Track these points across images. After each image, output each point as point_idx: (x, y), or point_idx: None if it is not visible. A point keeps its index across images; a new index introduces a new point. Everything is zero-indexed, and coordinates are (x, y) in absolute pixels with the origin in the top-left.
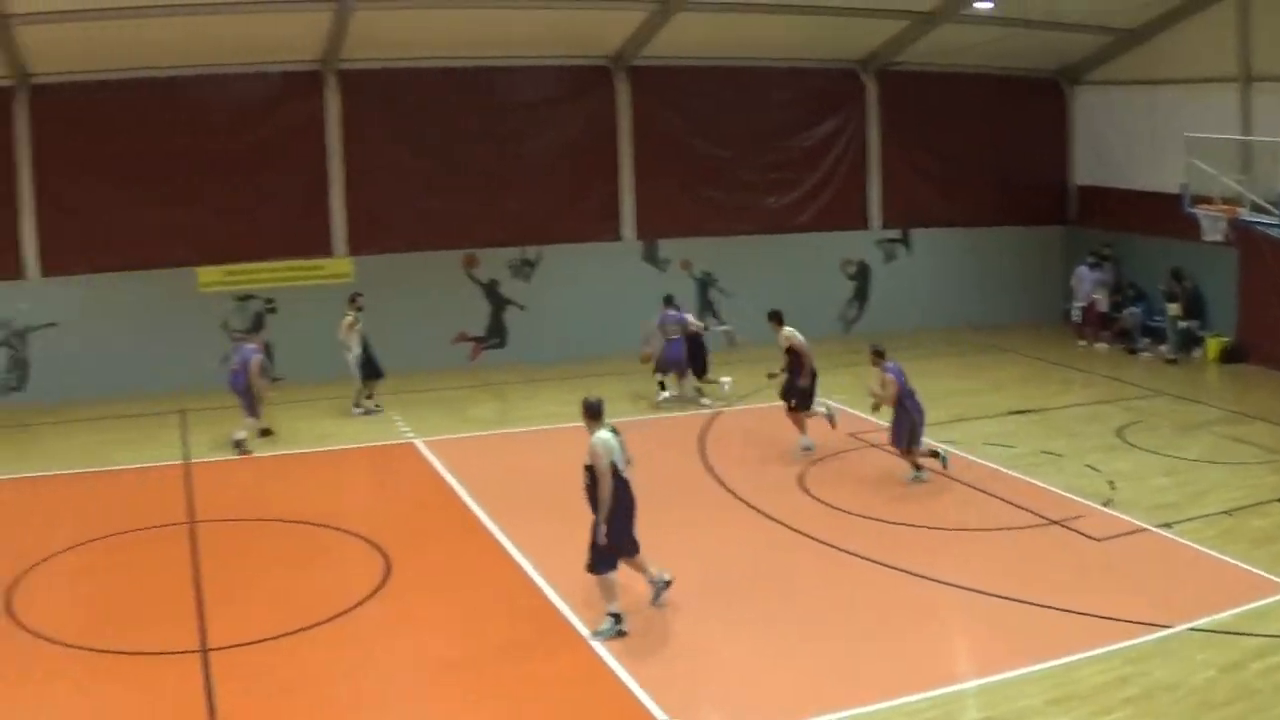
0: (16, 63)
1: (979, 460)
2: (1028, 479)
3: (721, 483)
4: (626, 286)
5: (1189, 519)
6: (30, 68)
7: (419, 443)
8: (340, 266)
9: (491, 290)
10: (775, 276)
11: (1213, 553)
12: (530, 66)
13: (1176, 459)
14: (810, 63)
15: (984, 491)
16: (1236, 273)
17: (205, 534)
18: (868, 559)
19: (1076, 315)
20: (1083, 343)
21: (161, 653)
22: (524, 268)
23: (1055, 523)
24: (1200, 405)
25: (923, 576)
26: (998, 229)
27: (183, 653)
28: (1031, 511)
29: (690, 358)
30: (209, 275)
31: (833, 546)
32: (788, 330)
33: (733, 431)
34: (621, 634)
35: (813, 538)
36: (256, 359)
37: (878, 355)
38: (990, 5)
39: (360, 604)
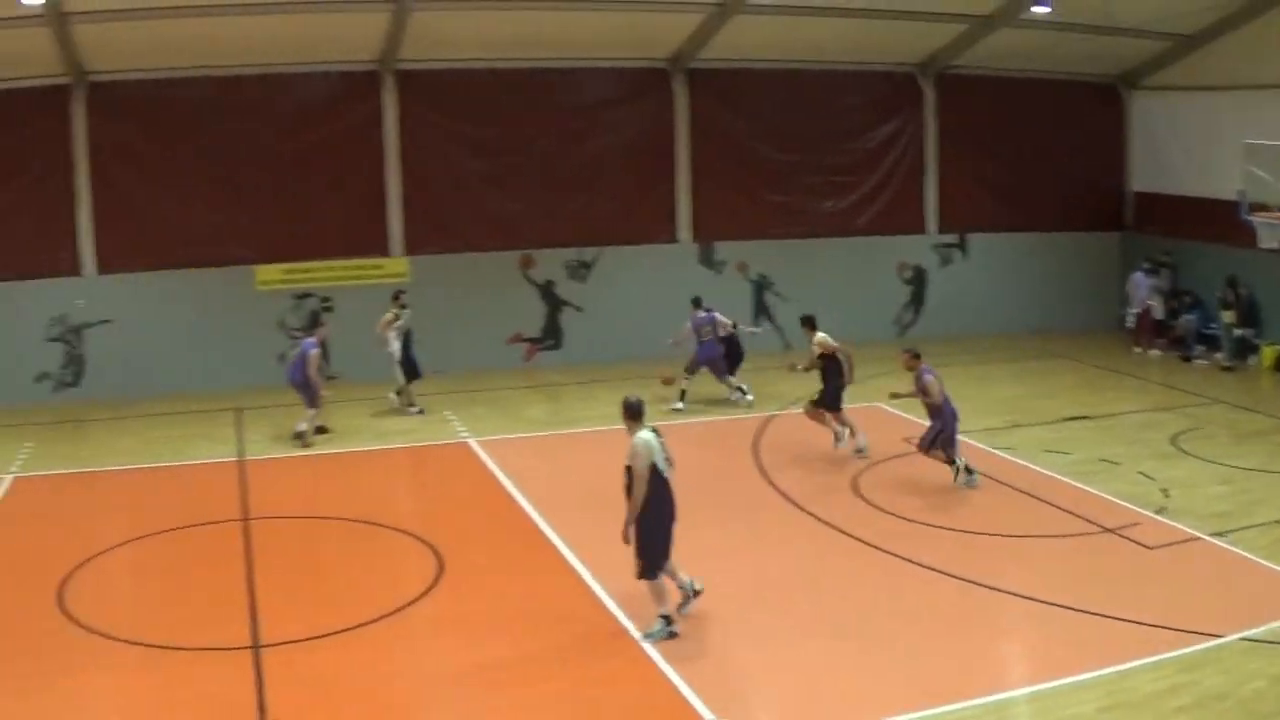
0: (74, 60)
1: (1035, 467)
2: (1083, 486)
3: (775, 486)
4: (682, 289)
5: (1243, 528)
6: (88, 65)
7: (473, 442)
8: (397, 266)
9: (547, 291)
10: (831, 280)
11: (1266, 562)
12: (588, 68)
13: (1231, 467)
14: (868, 66)
15: (1039, 498)
16: None
17: (259, 531)
18: (921, 564)
19: (1131, 321)
20: (1138, 349)
21: (213, 649)
22: (580, 269)
23: (1109, 530)
24: (1255, 414)
25: (975, 583)
26: (1054, 234)
27: (234, 649)
28: (1086, 519)
29: (730, 357)
30: (267, 274)
31: (886, 551)
32: (821, 336)
33: (788, 435)
34: (673, 635)
35: (866, 542)
36: (315, 352)
37: (914, 358)
38: (1048, 9)
39: (412, 603)
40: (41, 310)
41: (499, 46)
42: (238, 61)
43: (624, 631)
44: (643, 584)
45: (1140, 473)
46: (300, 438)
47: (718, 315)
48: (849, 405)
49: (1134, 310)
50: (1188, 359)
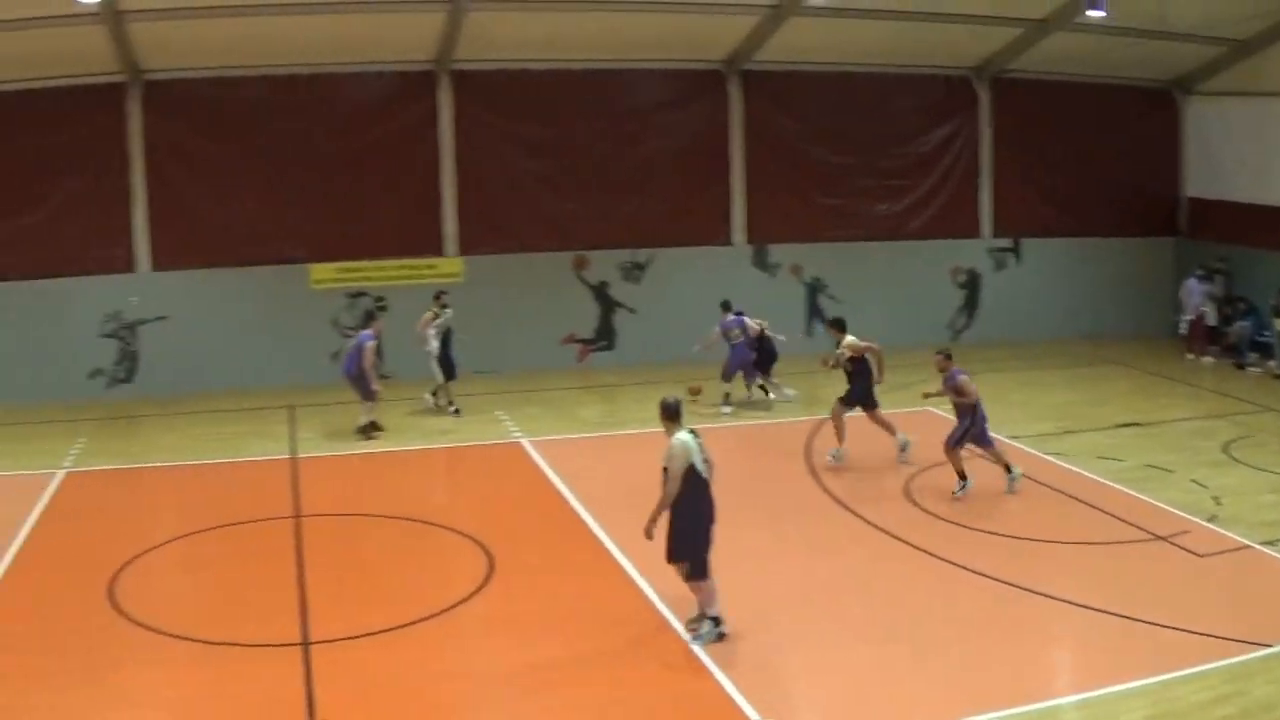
0: (130, 59)
1: (1087, 473)
2: (1134, 493)
3: (826, 489)
4: (736, 291)
5: None
6: (143, 64)
7: (526, 442)
8: (451, 266)
9: (601, 292)
10: (885, 283)
11: None
12: (643, 70)
13: None
14: (923, 69)
15: (1090, 504)
16: None
17: (310, 528)
18: (970, 570)
19: (1184, 328)
20: (1190, 356)
21: (262, 645)
22: (634, 270)
23: (1160, 538)
24: None
25: (1025, 589)
26: (1108, 240)
27: (284, 646)
28: (1137, 526)
29: (763, 359)
30: (321, 272)
31: (936, 556)
32: (850, 339)
33: (848, 439)
34: (721, 637)
35: (917, 547)
36: (371, 344)
37: (946, 359)
38: (1102, 14)
39: (463, 602)
40: (96, 306)
41: (554, 47)
42: (293, 61)
43: (673, 633)
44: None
45: (1192, 480)
46: (364, 431)
47: (747, 319)
48: (901, 410)
49: (1187, 317)
50: (1241, 366)
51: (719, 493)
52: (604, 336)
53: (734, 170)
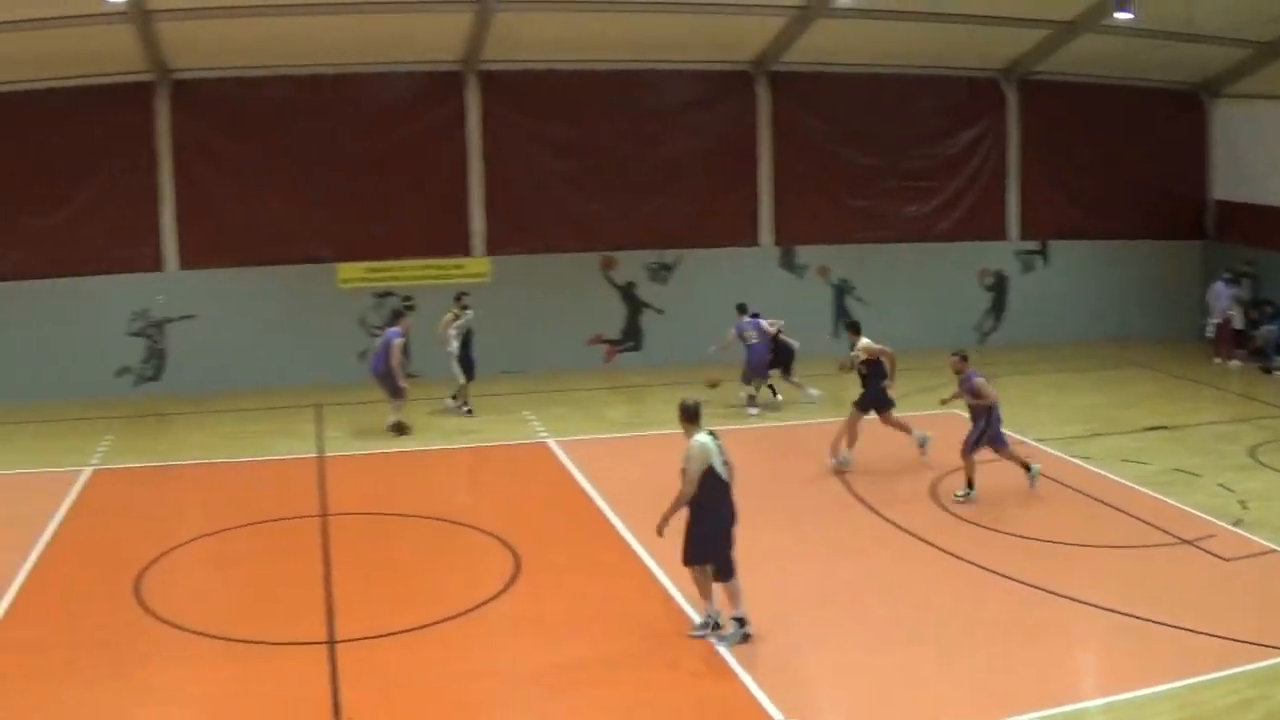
0: (158, 58)
1: (1113, 476)
2: (1160, 496)
3: (853, 491)
4: (763, 292)
5: None
6: (171, 63)
7: (552, 443)
8: (478, 266)
9: (628, 293)
10: (912, 286)
11: None
12: (671, 70)
13: None
14: (951, 71)
15: (1116, 508)
16: None
17: (336, 527)
18: (995, 572)
19: (1211, 331)
20: (1217, 360)
21: (287, 643)
22: (661, 271)
23: (1186, 541)
24: None
25: (1050, 591)
26: (1135, 243)
27: (309, 644)
28: (1162, 529)
29: (778, 359)
30: (349, 271)
31: (960, 558)
32: (865, 341)
33: (867, 440)
34: (747, 637)
35: (940, 549)
36: (398, 341)
37: (962, 360)
38: (1130, 16)
39: (489, 601)
40: (123, 305)
41: (582, 48)
42: (320, 61)
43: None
44: (718, 584)
45: (1218, 484)
46: (397, 429)
47: (762, 321)
48: (924, 412)
49: (1214, 320)
50: (1268, 370)
51: (743, 494)
52: (631, 337)
53: (761, 171)
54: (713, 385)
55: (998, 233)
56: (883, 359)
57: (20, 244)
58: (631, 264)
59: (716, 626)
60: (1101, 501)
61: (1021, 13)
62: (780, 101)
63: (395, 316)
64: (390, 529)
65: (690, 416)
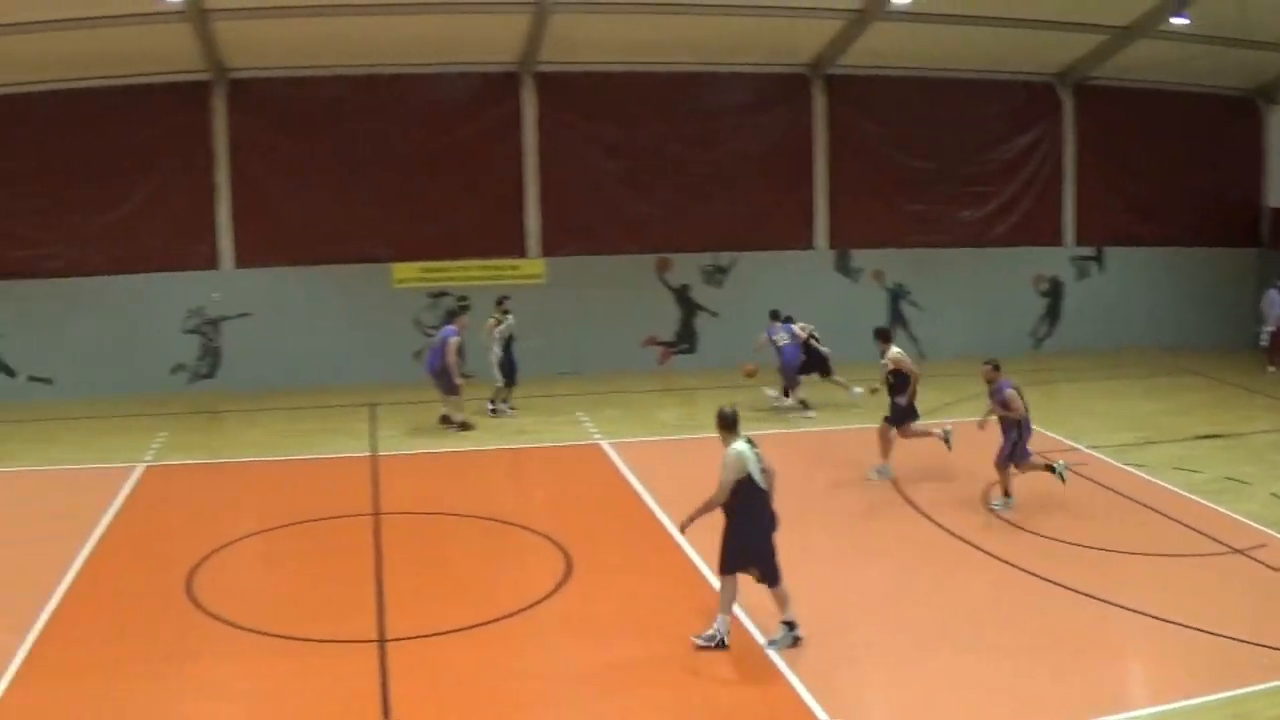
0: (215, 57)
1: (1165, 484)
2: (1212, 505)
3: (906, 496)
4: (818, 296)
5: None
6: (228, 62)
7: (605, 444)
8: (534, 267)
9: (683, 295)
10: (967, 291)
11: None
12: (727, 73)
13: None
14: (1007, 75)
15: (1167, 516)
16: None
17: (389, 526)
18: (1045, 579)
19: (1265, 340)
20: (1271, 369)
21: (338, 641)
22: (716, 274)
23: (1237, 551)
24: None
25: (1099, 599)
26: (1190, 250)
27: (360, 642)
28: (1213, 538)
29: (812, 363)
30: (404, 271)
31: (1011, 565)
32: (896, 352)
33: (922, 445)
34: (797, 641)
35: (991, 554)
36: (454, 339)
37: (995, 369)
38: (1186, 21)
39: (540, 602)
40: (179, 302)
41: (638, 50)
42: (379, 60)
43: (749, 636)
44: (765, 589)
45: (1271, 494)
46: (463, 426)
47: (794, 326)
48: (970, 418)
49: (1268, 328)
50: None
51: (796, 497)
52: (685, 339)
53: (817, 174)
54: (749, 375)
55: (1053, 238)
56: (910, 376)
57: (78, 241)
58: (686, 266)
59: (722, 644)
60: (1153, 509)
61: (1078, 17)
62: (836, 105)
63: (450, 316)
64: (443, 528)
65: (728, 425)
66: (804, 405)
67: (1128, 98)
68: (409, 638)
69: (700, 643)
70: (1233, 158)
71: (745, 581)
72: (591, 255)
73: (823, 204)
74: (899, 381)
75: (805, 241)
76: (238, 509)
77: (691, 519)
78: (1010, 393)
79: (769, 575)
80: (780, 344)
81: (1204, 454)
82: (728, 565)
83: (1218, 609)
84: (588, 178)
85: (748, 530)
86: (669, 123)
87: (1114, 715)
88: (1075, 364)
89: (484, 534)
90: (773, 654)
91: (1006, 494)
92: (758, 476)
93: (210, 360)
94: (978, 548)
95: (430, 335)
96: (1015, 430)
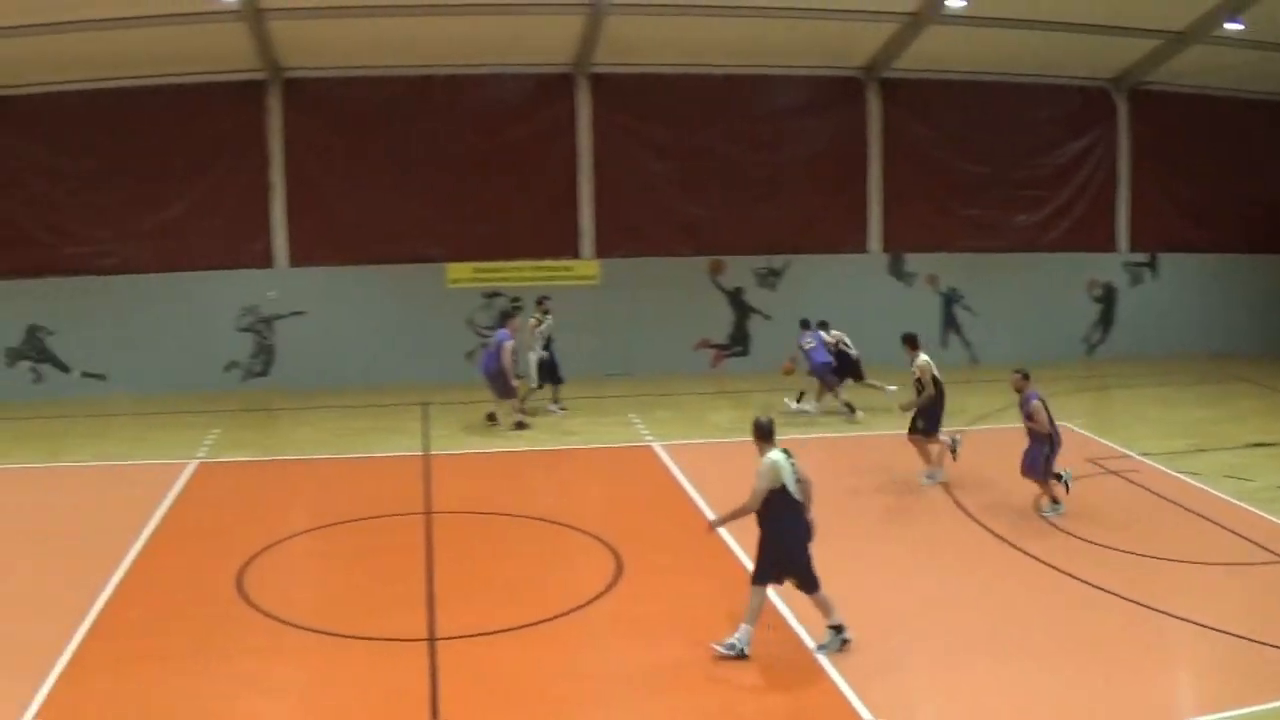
0: (270, 57)
1: (1216, 492)
2: (1263, 514)
3: (957, 501)
4: (871, 299)
5: None
6: (283, 61)
7: (657, 446)
8: (587, 269)
9: (736, 298)
10: (1021, 296)
11: None
12: (781, 76)
13: None
14: (1061, 80)
15: (1219, 524)
16: None
17: (440, 525)
18: (1096, 586)
19: None
20: None
21: (388, 639)
22: (770, 277)
23: None
24: None
25: (1149, 607)
26: (1244, 256)
27: (410, 640)
28: (1263, 547)
29: (844, 368)
30: (458, 272)
31: (1061, 571)
32: (924, 359)
33: (973, 450)
34: (846, 644)
35: (1041, 561)
36: (509, 344)
37: (1024, 378)
38: (1241, 26)
39: (590, 602)
40: (233, 300)
41: (692, 52)
42: (431, 61)
43: (798, 639)
44: (807, 596)
45: None
46: (520, 426)
47: (824, 334)
48: (1014, 425)
49: None
50: None
51: (844, 502)
52: (738, 342)
53: (870, 178)
54: (788, 373)
55: (1107, 244)
56: (925, 384)
57: (132, 239)
58: (740, 269)
59: (742, 655)
60: (1205, 517)
61: (1132, 22)
62: (890, 108)
63: (504, 318)
64: (494, 528)
65: (764, 434)
66: (849, 409)
67: (1182, 103)
68: (458, 637)
69: (721, 650)
70: None
71: (790, 586)
72: (644, 256)
73: (876, 207)
74: (935, 387)
75: (858, 245)
76: (289, 506)
77: (722, 521)
78: (1036, 404)
79: (806, 583)
80: (807, 348)
81: (1256, 462)
82: (760, 576)
83: (1267, 618)
84: (641, 179)
85: (781, 540)
86: (723, 125)
87: None
88: (1127, 370)
89: (535, 534)
90: (821, 658)
91: (1055, 500)
92: (792, 487)
93: (264, 358)
94: (1027, 553)
95: (484, 336)
96: (1045, 442)
